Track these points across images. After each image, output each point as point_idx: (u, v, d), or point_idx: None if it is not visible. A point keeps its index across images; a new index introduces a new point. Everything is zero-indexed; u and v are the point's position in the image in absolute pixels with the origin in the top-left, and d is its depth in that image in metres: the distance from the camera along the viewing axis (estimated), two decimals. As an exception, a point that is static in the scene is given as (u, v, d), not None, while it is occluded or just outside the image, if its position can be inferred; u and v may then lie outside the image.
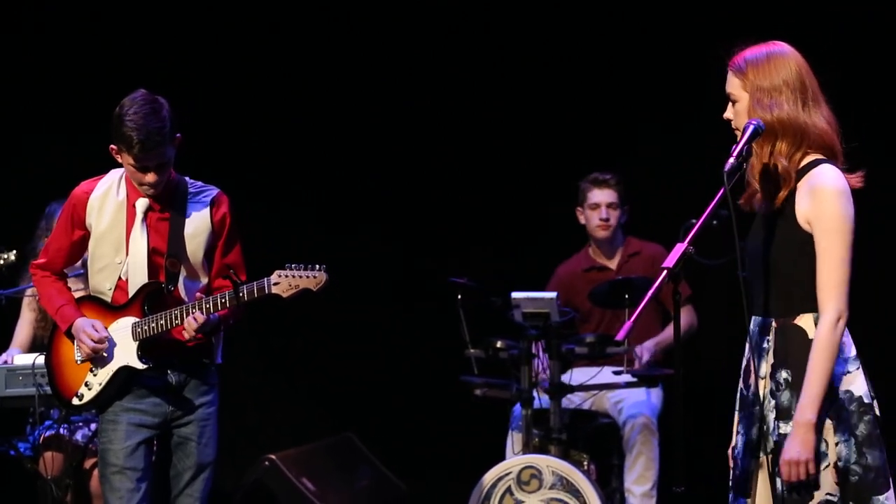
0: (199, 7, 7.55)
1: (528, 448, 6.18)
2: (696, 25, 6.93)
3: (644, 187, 7.01)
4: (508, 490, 5.98)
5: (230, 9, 7.60)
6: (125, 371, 4.78)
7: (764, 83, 3.88)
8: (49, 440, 5.95)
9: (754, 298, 3.99)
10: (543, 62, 7.46)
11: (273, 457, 6.60)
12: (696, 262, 3.89)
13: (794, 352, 3.87)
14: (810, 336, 3.86)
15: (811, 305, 3.86)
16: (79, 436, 5.98)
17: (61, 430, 5.95)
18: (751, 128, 3.85)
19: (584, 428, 6.56)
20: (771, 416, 3.89)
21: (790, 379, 3.87)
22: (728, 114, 3.98)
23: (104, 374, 4.81)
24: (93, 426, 5.97)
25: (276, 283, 4.60)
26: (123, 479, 4.75)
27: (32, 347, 6.12)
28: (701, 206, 3.83)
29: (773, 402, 3.89)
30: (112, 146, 4.71)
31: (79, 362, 4.86)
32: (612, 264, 6.89)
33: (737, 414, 4.05)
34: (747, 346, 4.01)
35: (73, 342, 4.84)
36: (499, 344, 6.29)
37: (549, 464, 5.97)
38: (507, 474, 6.00)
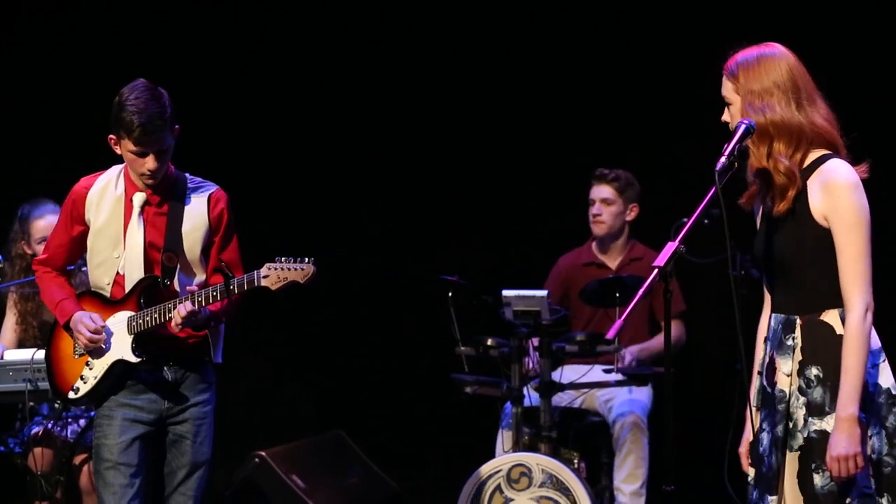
0: (198, 7, 7.55)
1: (518, 446, 6.18)
2: (696, 26, 6.93)
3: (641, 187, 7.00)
4: (498, 488, 5.99)
5: (229, 9, 7.59)
6: (120, 365, 4.77)
7: (754, 86, 3.91)
8: (39, 436, 5.95)
9: (773, 297, 4.01)
10: (539, 59, 7.45)
11: (263, 453, 6.60)
12: (687, 261, 3.90)
13: (823, 348, 3.89)
14: (838, 332, 3.89)
15: (836, 301, 3.88)
16: (68, 431, 5.98)
17: (50, 426, 5.95)
18: (742, 127, 3.88)
19: (575, 426, 6.55)
20: (800, 412, 3.90)
21: (821, 375, 3.88)
22: (725, 117, 4.01)
23: (100, 368, 4.80)
24: (82, 422, 5.97)
25: (265, 276, 4.60)
26: (117, 475, 4.73)
27: (17, 348, 6.11)
28: (693, 205, 3.84)
29: (801, 398, 3.90)
30: (111, 136, 4.69)
31: (76, 356, 4.86)
32: (613, 264, 6.86)
33: (755, 411, 4.03)
34: (763, 343, 4.02)
35: (72, 336, 4.84)
36: (489, 342, 6.30)
37: (538, 462, 5.98)
38: (496, 472, 6.00)
